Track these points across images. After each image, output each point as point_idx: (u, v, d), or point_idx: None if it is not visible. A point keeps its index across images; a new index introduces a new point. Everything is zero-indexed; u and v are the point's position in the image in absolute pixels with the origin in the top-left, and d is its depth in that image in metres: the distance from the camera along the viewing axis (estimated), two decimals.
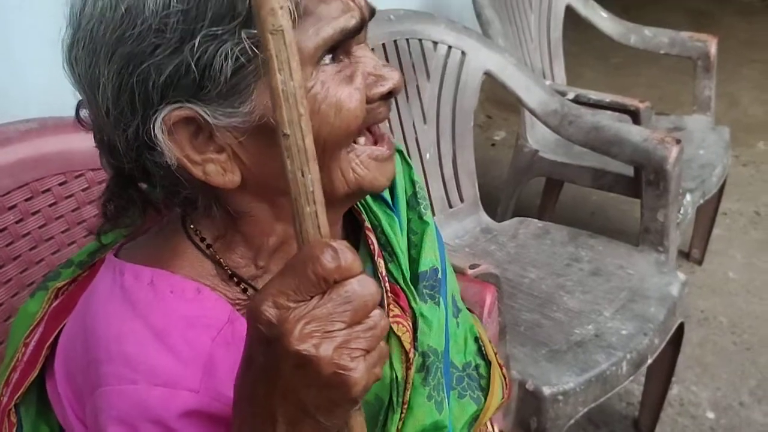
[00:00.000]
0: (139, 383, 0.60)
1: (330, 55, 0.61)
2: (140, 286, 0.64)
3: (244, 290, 0.68)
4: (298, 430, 0.51)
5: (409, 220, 0.83)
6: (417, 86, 1.79)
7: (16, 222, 0.97)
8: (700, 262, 2.58)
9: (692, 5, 5.11)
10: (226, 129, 0.60)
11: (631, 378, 1.48)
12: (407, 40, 1.76)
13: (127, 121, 0.60)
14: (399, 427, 0.74)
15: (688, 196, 2.00)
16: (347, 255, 0.49)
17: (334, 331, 0.48)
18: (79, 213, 1.04)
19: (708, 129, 2.40)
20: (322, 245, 0.49)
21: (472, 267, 1.20)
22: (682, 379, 2.08)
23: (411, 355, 0.75)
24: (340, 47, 0.61)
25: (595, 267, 1.71)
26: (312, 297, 0.49)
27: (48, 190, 1.01)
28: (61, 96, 1.03)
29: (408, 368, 0.74)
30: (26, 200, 0.98)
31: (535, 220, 1.93)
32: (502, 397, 0.89)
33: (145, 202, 0.69)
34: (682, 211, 1.97)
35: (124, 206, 0.69)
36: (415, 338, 0.76)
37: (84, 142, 1.02)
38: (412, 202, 0.84)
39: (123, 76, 0.58)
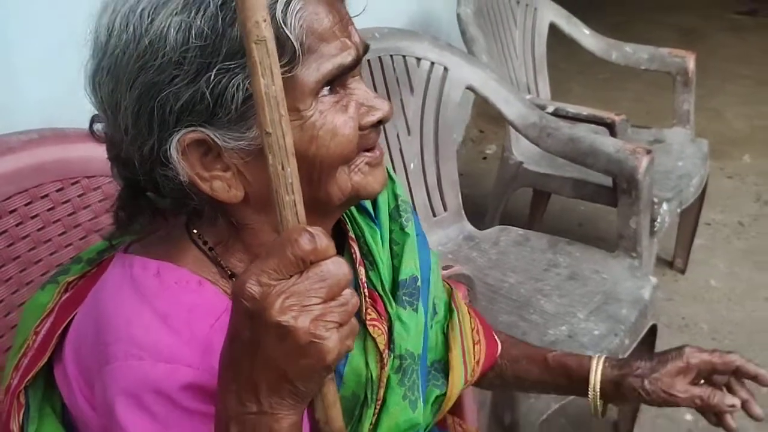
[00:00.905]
0: (144, 359, 0.66)
1: (328, 87, 0.68)
2: (147, 275, 0.71)
3: None
4: (278, 396, 0.57)
5: (391, 231, 0.90)
6: (401, 100, 1.86)
7: (16, 225, 1.04)
8: (683, 271, 2.64)
9: (682, 21, 5.20)
10: (234, 150, 0.66)
11: None
12: (391, 56, 1.84)
13: (143, 140, 0.66)
14: (373, 421, 0.80)
15: (665, 205, 2.07)
16: (323, 239, 0.55)
17: (311, 305, 0.54)
18: (74, 217, 1.10)
19: (687, 141, 2.47)
20: (300, 230, 0.55)
21: (445, 268, 1.27)
22: None
23: (385, 355, 0.81)
24: (337, 80, 0.68)
25: (571, 272, 1.78)
26: (291, 276, 0.55)
27: (46, 195, 1.07)
28: (58, 110, 1.11)
29: (382, 368, 0.81)
30: (26, 205, 1.05)
31: (516, 228, 2.00)
32: (465, 381, 0.96)
33: (153, 210, 0.76)
34: (659, 220, 2.04)
35: (134, 214, 0.76)
36: (390, 341, 0.83)
37: (80, 152, 1.10)
38: (394, 215, 0.91)
39: (143, 101, 0.65)
